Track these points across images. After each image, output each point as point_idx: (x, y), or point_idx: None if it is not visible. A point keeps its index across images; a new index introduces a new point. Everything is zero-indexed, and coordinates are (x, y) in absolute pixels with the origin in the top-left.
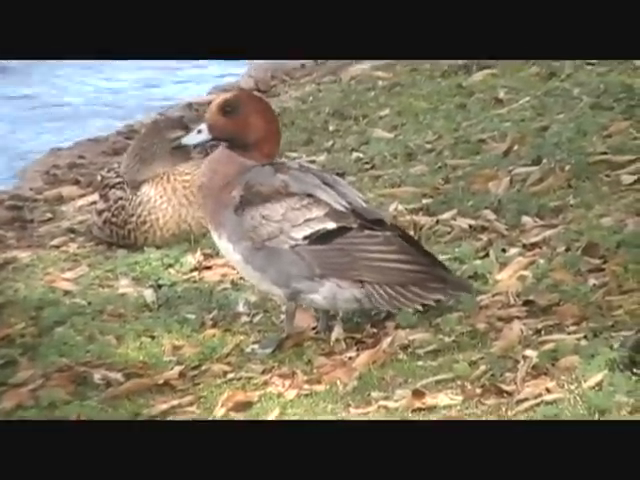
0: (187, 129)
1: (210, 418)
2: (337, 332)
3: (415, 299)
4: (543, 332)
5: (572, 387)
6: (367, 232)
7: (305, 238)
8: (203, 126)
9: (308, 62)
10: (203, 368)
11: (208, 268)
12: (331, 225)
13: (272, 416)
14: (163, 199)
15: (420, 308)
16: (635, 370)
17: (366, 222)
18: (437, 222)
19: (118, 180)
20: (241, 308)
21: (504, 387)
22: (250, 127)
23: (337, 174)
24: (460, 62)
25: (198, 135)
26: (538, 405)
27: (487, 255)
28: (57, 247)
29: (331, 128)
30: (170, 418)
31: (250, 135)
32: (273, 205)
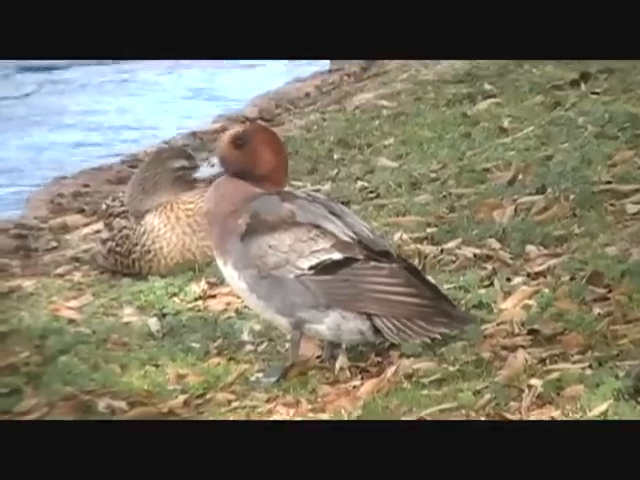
0: (190, 158)
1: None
2: (341, 361)
3: (421, 332)
4: (548, 361)
5: (577, 416)
6: (373, 263)
7: (311, 268)
8: (215, 159)
9: (312, 91)
10: (208, 397)
11: (212, 297)
12: (337, 256)
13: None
14: (167, 228)
15: (428, 340)
16: None
17: (372, 253)
18: (442, 251)
19: (122, 209)
20: (245, 337)
21: (509, 416)
22: (261, 159)
23: (341, 203)
24: (464, 91)
25: (210, 168)
26: None
27: (492, 284)
28: (61, 276)
29: (335, 157)
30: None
31: (261, 167)
32: (280, 235)
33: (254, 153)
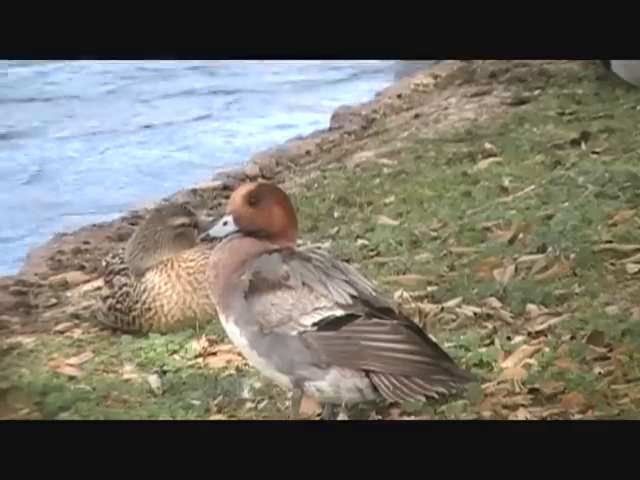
0: (190, 215)
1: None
2: (342, 419)
3: (418, 390)
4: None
5: None
6: (375, 320)
7: (314, 325)
8: (229, 218)
9: (313, 148)
10: None
11: (213, 354)
12: (339, 312)
13: None
14: (167, 286)
15: (423, 399)
16: None
17: (374, 310)
18: (442, 309)
19: (123, 266)
20: (246, 394)
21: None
22: (274, 217)
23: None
24: (465, 150)
25: (225, 227)
26: None
27: (492, 343)
28: (62, 332)
29: (336, 215)
30: None
31: (275, 225)
32: (283, 294)
33: (268, 211)
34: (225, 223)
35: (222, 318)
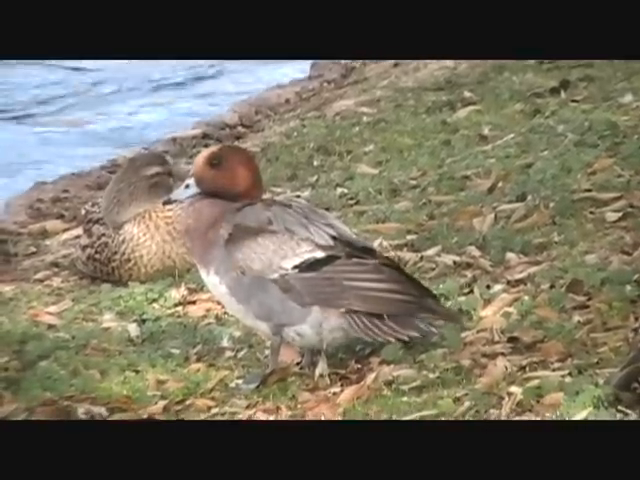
0: (164, 164)
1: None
2: (321, 368)
3: (390, 332)
4: (528, 369)
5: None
6: (355, 260)
7: (295, 267)
8: (191, 180)
9: (292, 97)
10: (187, 403)
11: (192, 303)
12: (320, 254)
13: None
14: (146, 236)
15: (392, 340)
16: (620, 407)
17: (355, 250)
18: (421, 258)
19: (102, 215)
20: (225, 343)
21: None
22: (237, 178)
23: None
24: (444, 98)
25: (187, 190)
26: None
27: (471, 292)
28: (41, 281)
29: (315, 163)
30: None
31: (237, 186)
32: (264, 240)
33: (230, 172)
34: (187, 186)
35: (203, 273)
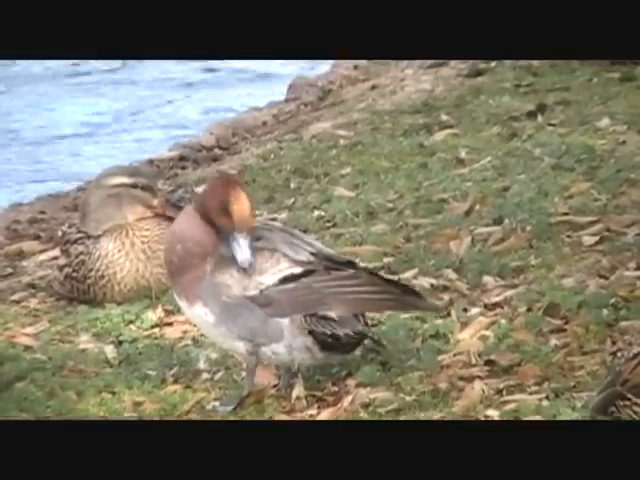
0: (134, 176)
1: None
2: (298, 390)
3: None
4: (505, 392)
5: None
6: (334, 273)
7: (274, 283)
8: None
9: (269, 119)
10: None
11: (169, 324)
12: (297, 270)
13: None
14: (121, 253)
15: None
16: None
17: (333, 264)
18: (398, 281)
19: (79, 235)
20: (202, 365)
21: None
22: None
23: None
24: (421, 121)
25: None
26: None
27: (449, 314)
28: (17, 302)
29: (292, 186)
30: None
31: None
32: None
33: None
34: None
35: (185, 307)
